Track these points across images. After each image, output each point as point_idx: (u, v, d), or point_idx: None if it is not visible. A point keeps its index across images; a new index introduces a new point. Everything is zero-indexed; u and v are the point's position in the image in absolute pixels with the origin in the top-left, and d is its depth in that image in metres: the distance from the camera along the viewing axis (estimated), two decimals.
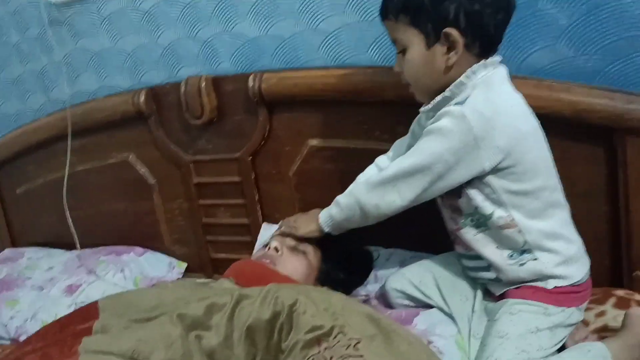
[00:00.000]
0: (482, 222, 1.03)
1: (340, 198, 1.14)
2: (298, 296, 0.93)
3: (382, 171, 1.07)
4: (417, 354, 0.87)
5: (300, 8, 1.44)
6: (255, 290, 0.96)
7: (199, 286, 1.07)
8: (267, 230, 1.56)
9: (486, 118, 0.95)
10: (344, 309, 0.92)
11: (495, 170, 0.98)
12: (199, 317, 0.91)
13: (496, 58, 1.02)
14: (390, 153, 1.27)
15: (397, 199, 1.04)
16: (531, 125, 1.01)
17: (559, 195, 1.04)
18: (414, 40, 1.00)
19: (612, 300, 1.14)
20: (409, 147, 1.17)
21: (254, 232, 1.59)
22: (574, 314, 1.03)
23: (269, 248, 1.24)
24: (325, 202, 1.40)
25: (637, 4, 1.12)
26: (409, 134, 1.23)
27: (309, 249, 1.24)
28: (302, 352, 0.85)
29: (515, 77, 1.17)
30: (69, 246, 1.84)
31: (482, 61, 1.00)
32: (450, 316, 1.11)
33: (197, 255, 1.72)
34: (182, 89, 1.53)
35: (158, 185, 1.71)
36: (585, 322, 1.10)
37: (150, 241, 1.77)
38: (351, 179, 1.36)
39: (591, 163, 1.17)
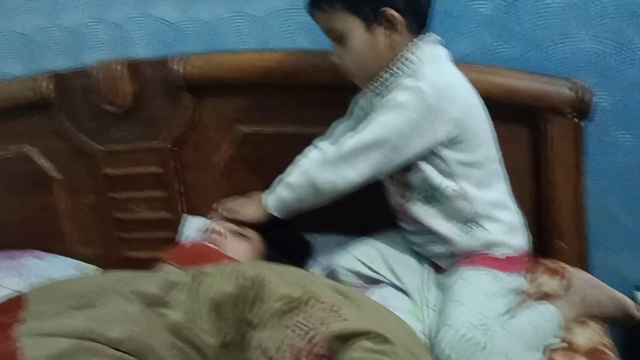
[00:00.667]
0: (431, 195, 1.05)
1: (290, 178, 1.10)
2: (261, 269, 0.88)
3: (337, 148, 1.05)
4: (386, 319, 0.86)
5: None
6: (213, 268, 0.90)
7: (138, 273, 0.97)
8: (189, 222, 1.47)
9: (440, 90, 0.99)
10: (310, 280, 0.89)
11: (446, 141, 1.00)
12: (155, 294, 0.83)
13: (435, 36, 1.06)
14: (329, 136, 1.25)
15: (354, 175, 1.03)
16: (476, 98, 1.07)
17: (500, 165, 1.10)
18: (354, 26, 1.01)
19: (541, 268, 1.22)
20: (350, 128, 1.18)
21: (176, 227, 1.49)
22: (519, 280, 1.09)
23: (212, 232, 1.16)
24: (255, 190, 1.36)
25: None
26: (347, 116, 1.23)
27: (252, 233, 1.19)
28: (274, 321, 0.81)
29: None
30: None
31: (422, 36, 1.03)
32: (401, 290, 1.12)
33: (108, 255, 1.58)
34: (94, 74, 1.41)
35: (61, 179, 1.54)
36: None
37: (49, 241, 1.59)
38: (283, 165, 1.33)
39: (516, 142, 1.25)
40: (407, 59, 1.02)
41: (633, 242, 1.38)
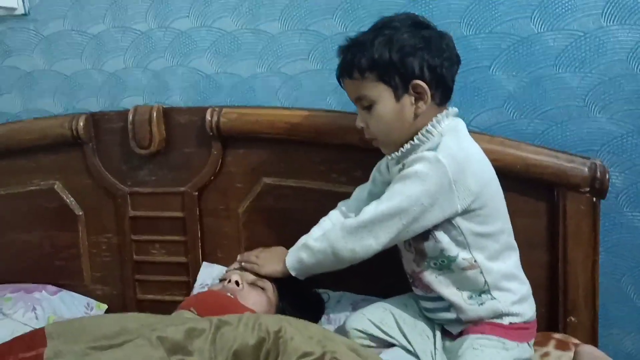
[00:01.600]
0: (445, 265, 1.08)
1: (312, 242, 1.13)
2: (281, 323, 0.90)
3: (359, 217, 1.07)
4: None
5: (263, 50, 1.47)
6: (233, 317, 0.92)
7: (161, 317, 0.99)
8: (208, 269, 1.49)
9: (459, 162, 1.03)
10: (328, 338, 0.91)
11: (464, 212, 1.04)
12: (179, 341, 0.84)
13: (455, 109, 1.12)
14: (351, 200, 1.28)
15: (373, 243, 1.06)
16: (492, 171, 1.11)
17: (512, 238, 1.13)
18: (384, 95, 1.05)
19: (553, 342, 1.22)
20: (370, 194, 1.22)
21: (192, 271, 1.51)
22: (526, 349, 1.10)
23: (229, 281, 1.19)
24: (273, 242, 1.39)
25: (573, 78, 1.29)
26: (369, 181, 1.27)
27: (268, 285, 1.21)
28: None
29: (471, 131, 1.28)
30: None
31: (445, 111, 1.08)
32: (413, 354, 1.12)
33: (121, 295, 1.59)
34: (130, 117, 1.47)
35: (85, 216, 1.58)
36: None
37: (66, 278, 1.61)
38: (304, 219, 1.37)
39: (533, 216, 1.28)
40: (428, 131, 1.06)
41: None
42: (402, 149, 1.08)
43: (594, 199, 1.23)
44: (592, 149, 1.31)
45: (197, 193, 1.48)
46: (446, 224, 1.05)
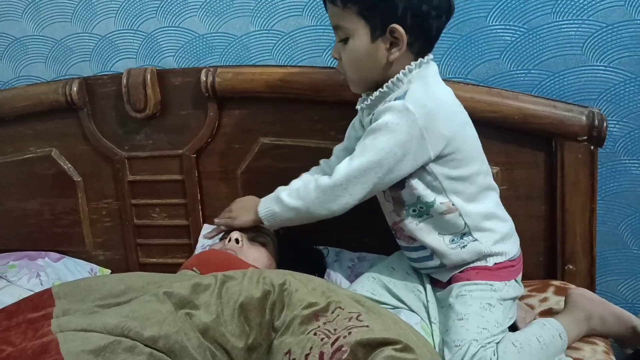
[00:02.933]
0: (424, 211, 1.08)
1: (286, 197, 1.13)
2: (285, 276, 0.91)
3: (332, 175, 1.07)
4: (405, 329, 0.89)
5: (256, 7, 1.44)
6: (237, 273, 0.93)
7: (165, 275, 1.00)
8: (208, 231, 1.49)
9: (428, 109, 1.01)
10: (330, 289, 0.92)
11: (437, 158, 1.04)
12: (185, 296, 0.85)
13: (429, 55, 1.08)
14: (332, 157, 1.28)
15: (349, 199, 1.06)
16: (465, 114, 1.10)
17: (490, 179, 1.12)
18: (360, 31, 1.02)
19: (552, 288, 1.25)
20: (346, 150, 1.21)
21: (194, 234, 1.52)
22: (515, 287, 1.11)
23: (229, 240, 1.20)
24: None
25: (572, 26, 1.28)
26: (345, 139, 1.25)
27: (268, 240, 1.22)
28: (300, 327, 0.83)
29: (469, 84, 1.28)
30: None
31: (419, 59, 1.05)
32: (409, 310, 1.14)
33: (124, 260, 1.61)
34: (124, 80, 1.45)
35: (84, 182, 1.58)
36: (531, 307, 1.20)
37: (68, 244, 1.62)
38: None
39: (532, 167, 1.28)
40: (398, 78, 1.04)
41: (638, 268, 1.42)
42: (370, 97, 1.07)
43: (592, 147, 1.23)
44: (590, 98, 1.31)
45: (194, 155, 1.48)
46: (420, 171, 1.05)
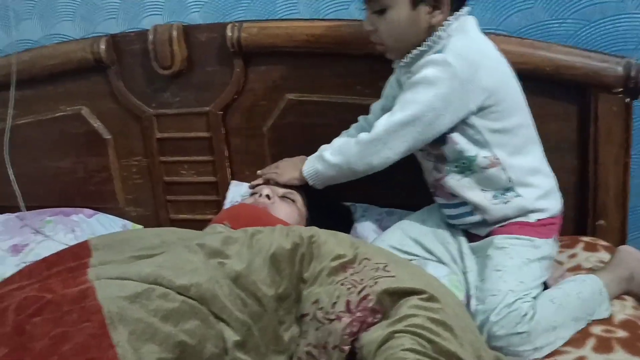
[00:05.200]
0: (466, 166, 1.07)
1: (328, 155, 1.14)
2: (316, 231, 0.92)
3: (372, 130, 1.07)
4: (431, 280, 0.89)
5: None
6: (266, 228, 0.94)
7: (196, 231, 1.02)
8: (236, 188, 1.52)
9: (469, 61, 1.00)
10: (361, 243, 0.93)
11: (478, 110, 1.02)
12: (217, 247, 0.87)
13: (466, 8, 1.06)
14: (370, 115, 1.28)
15: (390, 154, 1.06)
16: (506, 65, 1.08)
17: (534, 132, 1.11)
18: (400, 0, 1.01)
19: (581, 244, 1.23)
20: (383, 109, 1.20)
21: (222, 190, 1.54)
22: (553, 246, 1.11)
23: (260, 195, 1.21)
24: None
25: None
26: (382, 97, 1.25)
27: (298, 197, 1.23)
28: (328, 278, 0.85)
29: (500, 35, 1.25)
30: (6, 208, 1.68)
31: (456, 13, 1.03)
32: (438, 262, 1.15)
33: (155, 216, 1.64)
34: (150, 37, 1.45)
35: (114, 140, 1.60)
36: (560, 262, 1.19)
37: (101, 201, 1.66)
38: (329, 133, 1.37)
39: (564, 119, 1.25)
40: (437, 35, 1.03)
41: None
42: (409, 54, 1.06)
43: (628, 99, 1.19)
44: (628, 48, 1.26)
45: (221, 112, 1.48)
46: (461, 124, 1.04)
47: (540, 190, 1.09)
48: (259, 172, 1.32)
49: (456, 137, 1.05)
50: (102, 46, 1.49)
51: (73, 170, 1.66)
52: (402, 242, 1.18)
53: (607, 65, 1.18)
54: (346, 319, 0.80)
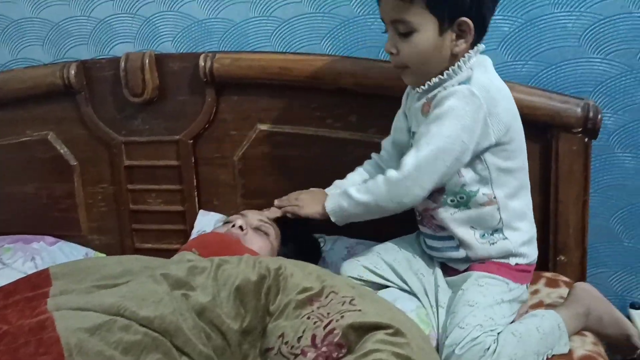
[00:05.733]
0: (463, 201, 1.08)
1: (355, 193, 1.10)
2: (281, 261, 0.92)
3: (401, 168, 1.04)
4: (398, 314, 0.90)
5: None
6: (233, 258, 0.94)
7: (162, 259, 1.01)
8: (204, 217, 1.51)
9: (492, 94, 1.02)
10: (325, 274, 0.93)
11: (495, 146, 1.04)
12: (182, 278, 0.86)
13: (482, 46, 1.08)
14: (382, 152, 1.26)
15: (419, 191, 1.04)
16: (516, 107, 1.10)
17: (527, 177, 1.13)
18: (428, 25, 1.00)
19: (543, 280, 1.26)
20: (394, 143, 1.21)
21: (189, 219, 1.53)
22: (525, 291, 1.13)
23: (234, 226, 1.20)
24: (270, 189, 1.41)
25: (570, 18, 1.29)
26: (391, 133, 1.23)
27: (271, 230, 1.23)
28: (294, 311, 0.85)
29: None
30: None
31: (476, 47, 1.05)
32: (409, 292, 1.15)
33: (119, 245, 1.61)
34: (122, 64, 1.45)
35: (80, 167, 1.58)
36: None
37: (64, 229, 1.62)
38: (300, 164, 1.39)
39: (528, 158, 1.28)
40: (458, 66, 1.04)
41: (631, 261, 1.43)
42: (428, 82, 1.06)
43: (586, 139, 1.24)
44: (586, 90, 1.32)
45: (192, 141, 1.48)
46: (474, 159, 1.05)
47: (525, 236, 1.11)
48: (276, 201, 1.25)
49: (464, 171, 1.06)
50: (72, 71, 1.48)
51: (37, 196, 1.62)
52: (376, 264, 1.18)
53: (568, 106, 1.23)
54: (311, 354, 0.80)
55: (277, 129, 1.42)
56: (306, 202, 1.19)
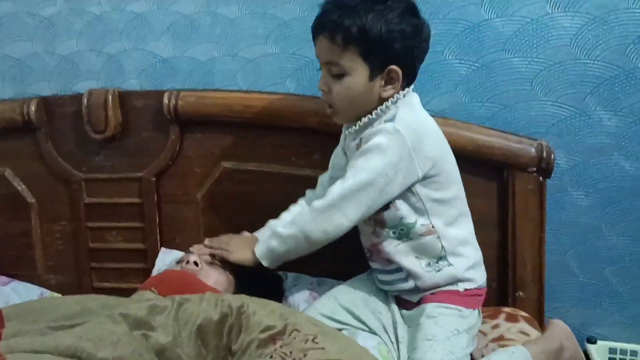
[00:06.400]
0: (404, 233, 1.11)
1: (281, 229, 1.13)
2: (243, 300, 0.91)
3: (326, 196, 1.08)
4: (360, 351, 0.90)
5: (221, 33, 1.47)
6: (194, 296, 0.93)
7: (121, 298, 0.99)
8: (166, 255, 1.48)
9: (416, 131, 1.06)
10: (290, 313, 0.93)
11: (423, 179, 1.08)
12: (142, 317, 0.84)
13: (411, 86, 1.13)
14: (317, 188, 1.29)
15: (344, 220, 1.07)
16: (444, 140, 1.15)
17: (466, 205, 1.17)
18: (359, 70, 1.05)
19: (503, 315, 1.28)
20: (332, 179, 1.23)
21: (150, 258, 1.50)
22: (479, 317, 1.15)
23: (187, 262, 1.19)
24: (233, 226, 1.40)
25: (522, 63, 1.35)
26: (329, 169, 1.27)
27: (226, 263, 1.22)
28: (257, 350, 0.84)
29: None
30: None
31: (405, 89, 1.10)
32: (369, 331, 1.16)
33: (77, 284, 1.57)
34: (85, 101, 1.44)
35: (38, 204, 1.54)
36: (483, 333, 1.23)
37: (18, 268, 1.57)
38: (264, 202, 1.39)
39: (485, 196, 1.33)
40: (386, 106, 1.09)
41: (587, 296, 1.47)
42: (359, 122, 1.10)
43: (541, 178, 1.29)
44: (539, 131, 1.37)
45: (154, 178, 1.47)
46: (405, 192, 1.08)
47: (469, 261, 1.14)
48: (206, 241, 1.27)
49: (399, 203, 1.09)
50: (32, 107, 1.46)
51: None
52: (334, 311, 1.19)
53: (522, 146, 1.28)
54: None
55: (241, 167, 1.43)
56: (236, 247, 1.20)
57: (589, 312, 1.48)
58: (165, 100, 1.40)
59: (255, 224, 1.41)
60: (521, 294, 1.33)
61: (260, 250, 1.15)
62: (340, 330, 1.16)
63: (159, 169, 1.46)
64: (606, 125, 1.36)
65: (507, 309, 1.31)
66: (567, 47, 1.33)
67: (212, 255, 1.22)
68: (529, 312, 1.31)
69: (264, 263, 1.16)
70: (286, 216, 1.24)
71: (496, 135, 1.29)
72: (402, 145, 1.04)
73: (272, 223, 1.24)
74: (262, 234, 1.22)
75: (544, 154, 1.27)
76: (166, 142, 1.44)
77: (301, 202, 1.28)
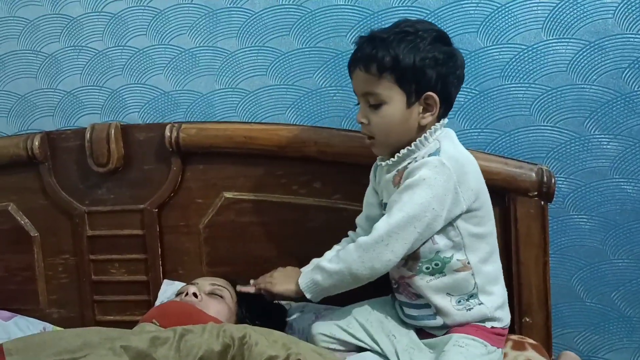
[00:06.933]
0: (438, 268, 1.10)
1: (327, 263, 1.11)
2: (246, 330, 0.90)
3: (372, 233, 1.05)
4: None
5: (221, 67, 1.49)
6: (196, 327, 0.92)
7: (123, 330, 0.99)
8: (169, 287, 1.48)
9: (460, 164, 1.06)
10: (291, 341, 0.92)
11: (466, 212, 1.07)
12: (143, 349, 0.84)
13: (445, 120, 1.13)
14: (357, 229, 1.27)
15: (391, 256, 1.05)
16: (482, 175, 1.14)
17: (496, 242, 1.16)
18: (396, 98, 1.06)
19: (510, 343, 1.26)
20: (368, 219, 1.23)
21: (153, 290, 1.50)
22: (500, 355, 1.13)
23: (187, 294, 1.19)
24: (235, 256, 1.41)
25: (520, 89, 1.37)
26: (364, 210, 1.26)
27: (226, 293, 1.22)
28: None
29: None
30: None
31: (442, 120, 1.11)
32: (382, 355, 1.14)
33: (79, 317, 1.56)
34: (88, 135, 1.46)
35: (41, 237, 1.55)
36: None
37: (21, 302, 1.57)
38: (266, 232, 1.40)
39: None
40: (425, 138, 1.09)
41: (594, 321, 1.45)
42: (398, 154, 1.10)
43: (542, 202, 1.29)
44: (539, 155, 1.38)
45: (157, 210, 1.48)
46: (446, 225, 1.07)
47: (499, 300, 1.13)
48: (251, 281, 1.26)
49: (438, 238, 1.08)
50: (36, 142, 1.48)
51: None
52: (349, 323, 1.17)
53: (522, 171, 1.28)
54: None
55: (243, 197, 1.43)
56: (279, 280, 1.20)
57: (597, 337, 1.46)
58: (167, 133, 1.42)
59: (258, 254, 1.42)
60: (528, 319, 1.32)
61: (304, 282, 1.14)
62: (351, 345, 1.17)
63: (161, 201, 1.47)
64: (606, 148, 1.36)
65: (514, 336, 1.29)
66: (564, 73, 1.34)
67: (259, 290, 1.22)
68: (536, 339, 1.29)
69: (307, 295, 1.14)
70: (330, 253, 1.22)
71: (496, 160, 1.29)
72: (449, 178, 1.03)
73: (316, 260, 1.22)
74: (306, 267, 1.21)
75: (545, 178, 1.27)
76: (168, 173, 1.45)
77: (345, 241, 1.26)
